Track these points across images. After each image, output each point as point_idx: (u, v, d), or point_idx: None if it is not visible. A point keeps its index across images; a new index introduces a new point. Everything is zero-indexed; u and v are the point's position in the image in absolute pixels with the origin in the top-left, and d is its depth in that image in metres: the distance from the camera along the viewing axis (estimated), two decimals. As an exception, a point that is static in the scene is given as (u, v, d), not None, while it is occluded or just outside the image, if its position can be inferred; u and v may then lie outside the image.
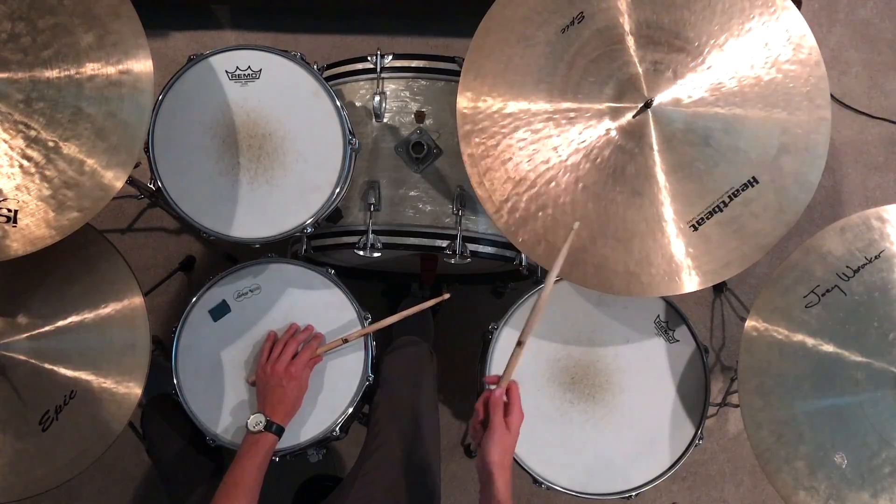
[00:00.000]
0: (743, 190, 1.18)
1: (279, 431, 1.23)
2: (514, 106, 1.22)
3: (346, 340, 1.33)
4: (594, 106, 1.21)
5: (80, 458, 1.24)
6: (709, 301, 2.03)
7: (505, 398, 1.06)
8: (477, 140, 1.22)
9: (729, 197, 1.18)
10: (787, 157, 1.19)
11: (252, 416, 1.23)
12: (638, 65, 1.21)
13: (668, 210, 1.19)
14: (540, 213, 1.20)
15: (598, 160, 1.20)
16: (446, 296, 1.36)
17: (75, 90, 1.13)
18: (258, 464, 1.18)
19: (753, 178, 1.19)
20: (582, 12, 1.23)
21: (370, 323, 1.38)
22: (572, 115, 1.21)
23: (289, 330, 1.35)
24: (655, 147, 1.19)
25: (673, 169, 1.19)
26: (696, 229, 1.19)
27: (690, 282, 1.18)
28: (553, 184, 1.20)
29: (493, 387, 1.07)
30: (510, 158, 1.21)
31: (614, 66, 1.21)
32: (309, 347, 1.32)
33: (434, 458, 1.35)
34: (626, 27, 1.21)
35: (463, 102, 1.24)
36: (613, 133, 1.20)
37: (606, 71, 1.22)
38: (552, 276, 1.08)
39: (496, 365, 1.38)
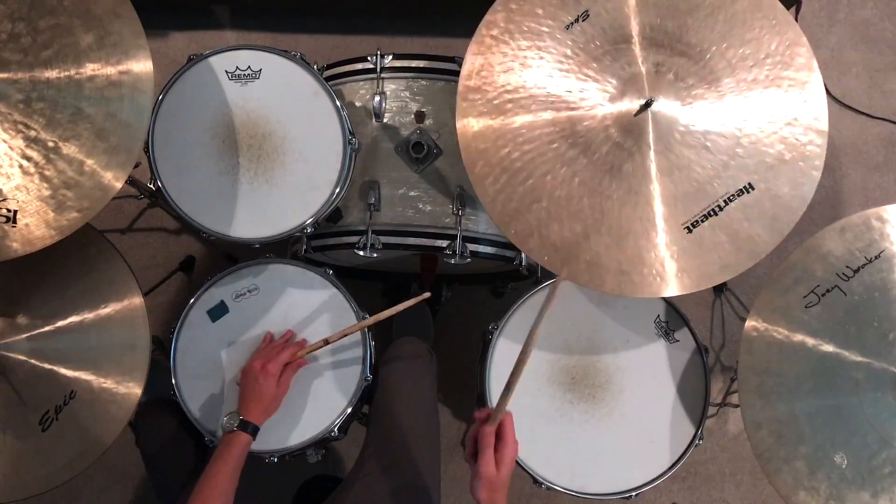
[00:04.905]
0: (739, 195, 1.18)
1: (254, 431, 1.22)
2: (515, 96, 1.22)
3: (327, 342, 1.31)
4: (595, 103, 1.21)
5: (80, 458, 1.24)
6: (709, 301, 2.03)
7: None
8: (475, 131, 1.22)
9: (724, 201, 1.19)
10: (784, 166, 1.19)
11: (227, 415, 1.22)
12: (641, 65, 1.21)
13: (662, 210, 1.19)
14: (534, 206, 1.20)
15: (596, 156, 1.20)
16: (426, 294, 1.32)
17: (75, 90, 1.13)
18: (231, 465, 1.16)
19: (749, 184, 1.19)
20: (587, 10, 1.23)
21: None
22: (572, 110, 1.21)
23: (283, 335, 1.35)
24: (653, 147, 1.19)
25: (670, 170, 1.19)
26: (690, 231, 1.19)
27: (682, 284, 1.18)
28: (549, 177, 1.20)
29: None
30: (507, 149, 1.21)
31: (617, 66, 1.22)
32: (288, 348, 1.30)
33: (434, 460, 1.34)
34: (632, 28, 1.22)
35: (465, 93, 1.23)
36: (613, 131, 1.20)
37: (609, 69, 1.22)
38: (536, 332, 1.00)
39: (496, 365, 1.38)
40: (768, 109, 1.20)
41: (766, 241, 1.19)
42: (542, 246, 1.19)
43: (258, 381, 1.25)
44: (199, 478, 1.15)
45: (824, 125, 1.19)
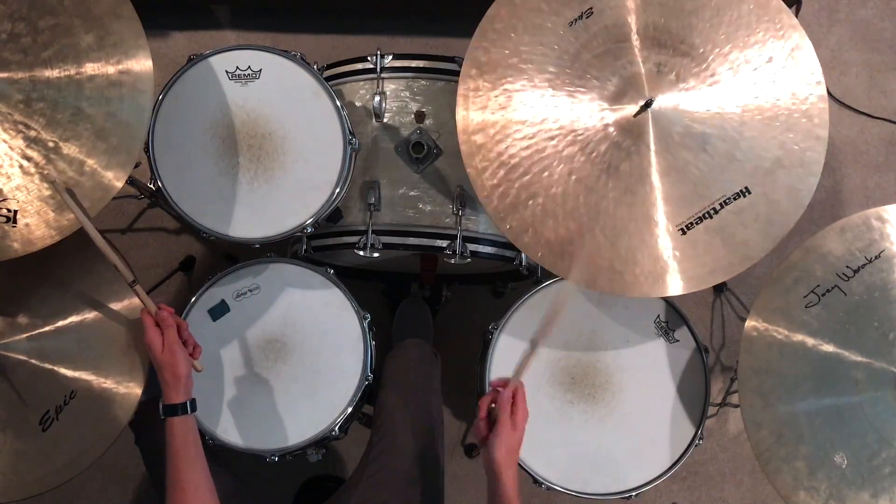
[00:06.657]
0: (735, 199, 1.19)
1: (182, 409, 1.16)
2: (515, 91, 1.22)
3: (135, 283, 1.18)
4: (595, 101, 1.21)
5: (80, 458, 1.24)
6: (709, 301, 2.03)
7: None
8: (475, 125, 1.22)
9: (720, 204, 1.19)
10: (782, 170, 1.19)
11: None
12: (642, 64, 1.21)
13: (658, 211, 1.19)
14: (530, 202, 1.20)
15: (594, 154, 1.20)
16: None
17: (75, 90, 1.13)
18: (186, 455, 1.12)
19: (746, 188, 1.19)
20: (591, 7, 1.23)
21: (369, 322, 1.38)
22: (572, 107, 1.21)
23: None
24: (652, 148, 1.19)
25: (667, 171, 1.19)
26: (684, 233, 1.19)
27: (674, 285, 1.18)
28: (546, 173, 1.20)
29: (499, 389, 1.07)
30: (506, 144, 1.21)
31: (618, 64, 1.22)
32: (145, 316, 1.19)
33: (438, 462, 1.34)
34: (634, 27, 1.22)
35: (465, 87, 1.23)
36: (611, 129, 1.20)
37: (610, 68, 1.22)
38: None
39: (496, 365, 1.38)
40: (769, 112, 1.19)
41: (760, 246, 1.19)
42: (537, 242, 1.20)
43: (154, 363, 1.17)
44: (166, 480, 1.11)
45: (824, 131, 1.19)
